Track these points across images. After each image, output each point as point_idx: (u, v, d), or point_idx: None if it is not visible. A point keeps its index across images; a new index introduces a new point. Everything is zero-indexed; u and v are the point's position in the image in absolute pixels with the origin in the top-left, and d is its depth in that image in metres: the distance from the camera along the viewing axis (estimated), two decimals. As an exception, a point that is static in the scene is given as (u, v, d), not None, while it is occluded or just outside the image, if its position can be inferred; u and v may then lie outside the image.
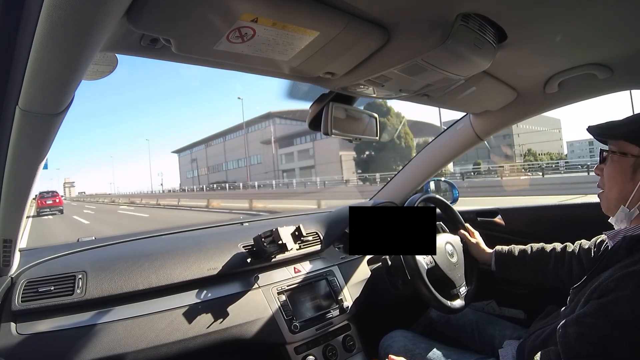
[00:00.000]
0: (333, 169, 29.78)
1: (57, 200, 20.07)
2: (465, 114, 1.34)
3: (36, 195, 19.55)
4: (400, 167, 1.64)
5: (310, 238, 1.24)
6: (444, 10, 0.61)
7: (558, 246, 1.04)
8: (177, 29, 0.55)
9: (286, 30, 0.58)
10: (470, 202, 7.61)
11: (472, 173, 22.97)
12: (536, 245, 1.09)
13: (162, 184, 47.64)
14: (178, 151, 58.87)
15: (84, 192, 68.85)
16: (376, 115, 1.08)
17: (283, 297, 1.07)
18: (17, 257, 0.86)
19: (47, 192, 20.33)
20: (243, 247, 1.10)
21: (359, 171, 28.60)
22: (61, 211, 19.44)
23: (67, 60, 0.45)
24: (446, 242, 1.17)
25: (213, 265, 1.02)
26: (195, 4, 0.50)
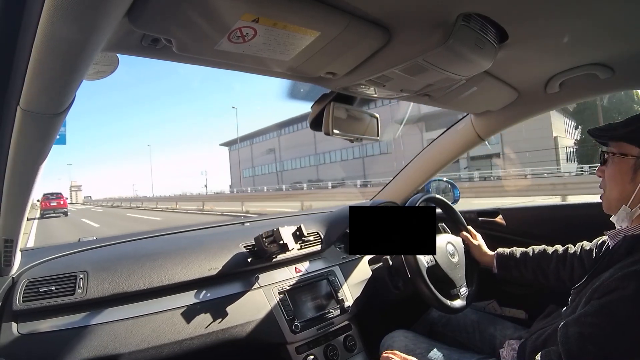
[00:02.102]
0: (531, 157, 17.96)
1: (62, 202, 19.76)
2: (466, 114, 1.34)
3: (40, 198, 19.46)
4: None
5: (311, 238, 1.24)
6: (445, 10, 0.61)
7: (560, 248, 1.04)
8: (178, 29, 0.55)
9: (287, 30, 0.58)
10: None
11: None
12: (538, 247, 1.09)
13: (205, 185, 38.72)
14: (228, 143, 45.43)
15: (90, 197, 65.90)
16: (377, 115, 1.08)
17: (284, 297, 1.07)
18: (18, 257, 0.86)
19: (52, 194, 20.00)
20: (244, 247, 1.10)
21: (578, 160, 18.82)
22: (65, 213, 19.20)
23: (68, 60, 0.46)
24: (447, 242, 1.17)
25: (214, 265, 1.02)
26: (197, 4, 0.50)
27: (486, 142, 1.38)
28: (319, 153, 33.46)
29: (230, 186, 43.59)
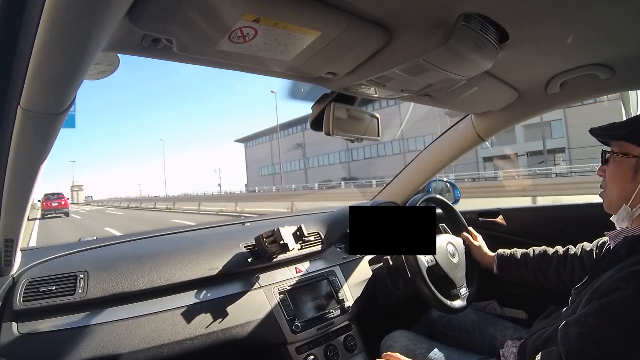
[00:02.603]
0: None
1: (63, 203, 19.80)
2: (466, 114, 1.34)
3: (42, 198, 19.44)
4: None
5: (311, 238, 1.24)
6: (445, 10, 0.61)
7: (560, 249, 1.05)
8: (178, 29, 0.55)
9: (288, 30, 0.58)
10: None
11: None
12: (538, 248, 1.09)
13: (219, 184, 37.23)
14: (245, 140, 43.16)
15: (91, 197, 66.04)
16: (377, 115, 1.08)
17: (284, 297, 1.07)
18: (18, 256, 0.86)
19: (53, 194, 20.03)
20: (244, 247, 1.10)
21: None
22: (67, 214, 19.18)
23: (69, 60, 0.46)
24: (448, 242, 1.17)
25: (214, 265, 1.02)
26: (197, 4, 0.50)
27: (487, 142, 1.38)
28: (350, 149, 29.97)
29: (247, 185, 41.42)
